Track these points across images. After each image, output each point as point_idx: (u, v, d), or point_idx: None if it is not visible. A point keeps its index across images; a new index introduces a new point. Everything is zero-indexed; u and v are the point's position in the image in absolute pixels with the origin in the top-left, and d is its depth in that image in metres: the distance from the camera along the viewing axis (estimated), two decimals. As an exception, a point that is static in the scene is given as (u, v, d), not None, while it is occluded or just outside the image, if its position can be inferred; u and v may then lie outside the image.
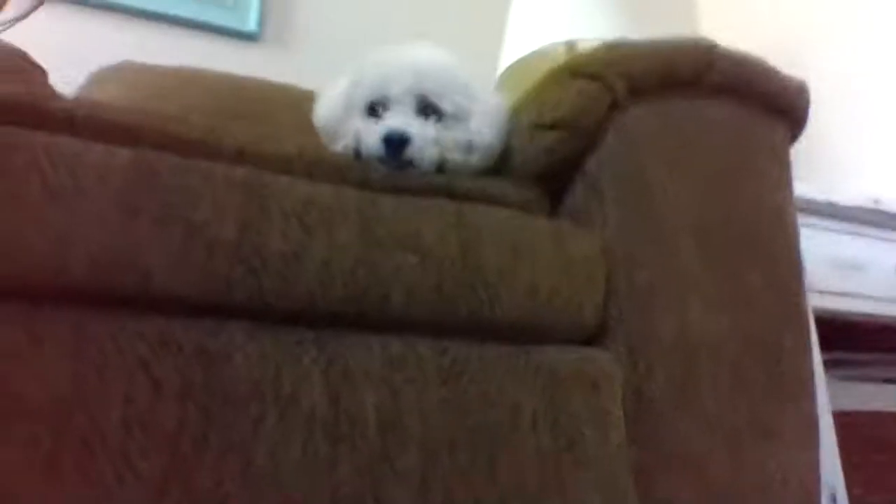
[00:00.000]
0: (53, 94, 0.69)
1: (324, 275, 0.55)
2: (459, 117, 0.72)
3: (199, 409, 0.50)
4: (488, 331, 0.59)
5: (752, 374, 0.66)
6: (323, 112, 0.77)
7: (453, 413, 0.55)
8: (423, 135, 0.68)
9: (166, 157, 0.56)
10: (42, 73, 1.05)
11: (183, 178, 0.55)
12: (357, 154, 0.71)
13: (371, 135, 0.69)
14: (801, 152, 0.86)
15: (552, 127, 0.69)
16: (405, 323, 0.57)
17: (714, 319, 0.66)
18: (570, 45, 1.67)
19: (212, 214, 0.54)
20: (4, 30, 1.00)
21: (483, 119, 0.73)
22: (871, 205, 1.15)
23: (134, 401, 0.49)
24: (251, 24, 1.56)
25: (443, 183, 0.68)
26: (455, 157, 0.71)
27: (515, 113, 0.75)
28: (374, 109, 0.72)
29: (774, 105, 0.75)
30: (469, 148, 0.72)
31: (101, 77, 1.25)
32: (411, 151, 0.67)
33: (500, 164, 0.75)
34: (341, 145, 0.73)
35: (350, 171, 0.66)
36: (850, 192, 1.15)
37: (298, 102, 1.35)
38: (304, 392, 0.53)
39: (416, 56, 0.73)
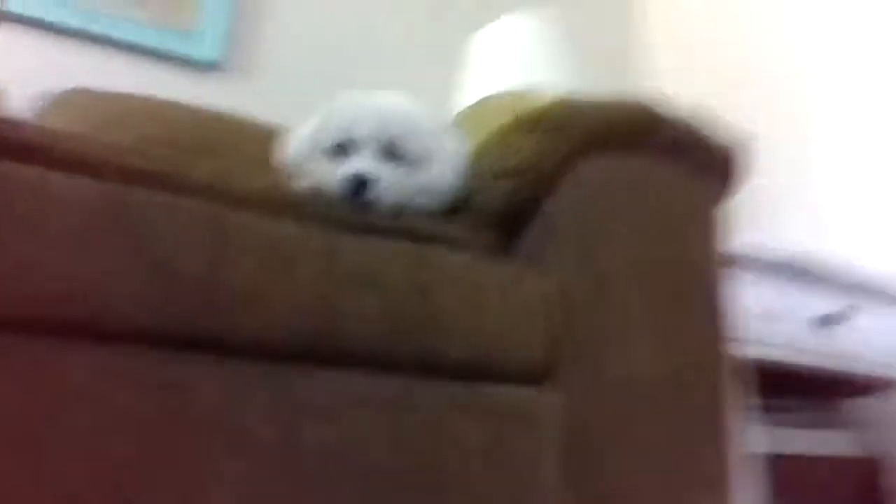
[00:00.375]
0: (10, 122, 0.69)
1: (284, 312, 0.57)
2: (422, 161, 0.75)
3: (156, 440, 0.50)
4: (439, 369, 0.61)
5: (686, 418, 0.69)
6: (290, 150, 0.79)
7: (401, 448, 0.57)
8: (386, 178, 0.71)
9: (133, 191, 0.57)
10: (-1, 94, 1.04)
11: (149, 212, 0.56)
12: (321, 194, 0.73)
13: (335, 176, 0.71)
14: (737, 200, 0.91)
15: (513, 173, 0.72)
16: (362, 360, 0.59)
17: (653, 364, 0.69)
18: (523, 94, 1.74)
19: (176, 249, 0.55)
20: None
21: (445, 163, 0.76)
22: (798, 259, 1.22)
23: (91, 431, 0.49)
24: (212, 54, 1.57)
25: (404, 225, 0.70)
26: (416, 199, 0.73)
27: (477, 158, 0.79)
28: (339, 151, 0.75)
29: (711, 167, 0.80)
30: (430, 191, 0.75)
31: (56, 102, 1.24)
32: (374, 193, 0.70)
33: (460, 205, 0.78)
34: (306, 184, 0.75)
35: (313, 209, 0.68)
36: (780, 245, 1.23)
37: (258, 136, 1.36)
38: (260, 425, 0.54)
39: (382, 102, 0.76)
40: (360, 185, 0.69)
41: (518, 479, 0.60)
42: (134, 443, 0.50)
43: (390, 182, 0.71)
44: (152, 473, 0.49)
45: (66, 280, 0.51)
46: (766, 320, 1.17)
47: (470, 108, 1.67)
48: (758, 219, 1.74)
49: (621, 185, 0.75)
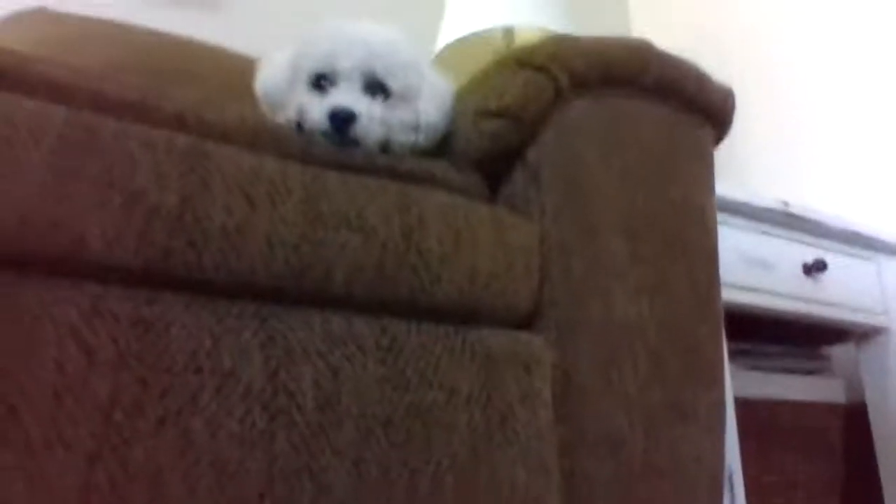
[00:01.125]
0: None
1: (266, 250, 0.55)
2: (406, 97, 0.72)
3: (134, 378, 0.49)
4: (427, 312, 0.60)
5: (670, 360, 0.70)
6: (265, 81, 0.75)
7: (391, 391, 0.56)
8: (369, 114, 0.68)
9: (104, 120, 0.54)
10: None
11: (122, 143, 0.53)
12: (299, 127, 0.70)
13: (316, 109, 0.68)
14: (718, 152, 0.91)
15: (497, 114, 0.70)
16: (346, 301, 0.58)
17: (637, 309, 0.69)
18: (508, 31, 1.70)
19: (152, 182, 0.53)
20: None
21: (430, 100, 0.73)
22: (780, 207, 1.23)
23: (65, 368, 0.47)
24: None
25: (386, 163, 0.68)
26: (400, 137, 0.71)
27: (460, 97, 0.76)
28: (319, 83, 0.71)
29: (703, 108, 0.79)
30: (414, 129, 0.72)
31: (15, 21, 1.17)
32: (357, 130, 0.67)
33: (441, 146, 0.76)
34: (283, 117, 0.72)
35: (293, 144, 0.66)
36: (761, 194, 1.23)
37: (229, 65, 1.31)
38: (243, 366, 0.52)
39: (366, 32, 0.72)
40: (343, 120, 0.66)
41: (512, 423, 0.60)
42: (113, 382, 0.48)
43: (373, 118, 0.69)
44: (132, 409, 0.48)
45: (36, 213, 0.48)
46: (748, 267, 1.18)
47: (453, 44, 1.62)
48: (733, 168, 1.75)
49: (610, 128, 0.74)
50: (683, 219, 0.74)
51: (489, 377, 0.60)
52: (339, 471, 0.53)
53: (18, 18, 1.16)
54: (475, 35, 1.64)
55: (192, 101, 0.64)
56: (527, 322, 0.66)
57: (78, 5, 1.24)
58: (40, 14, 1.19)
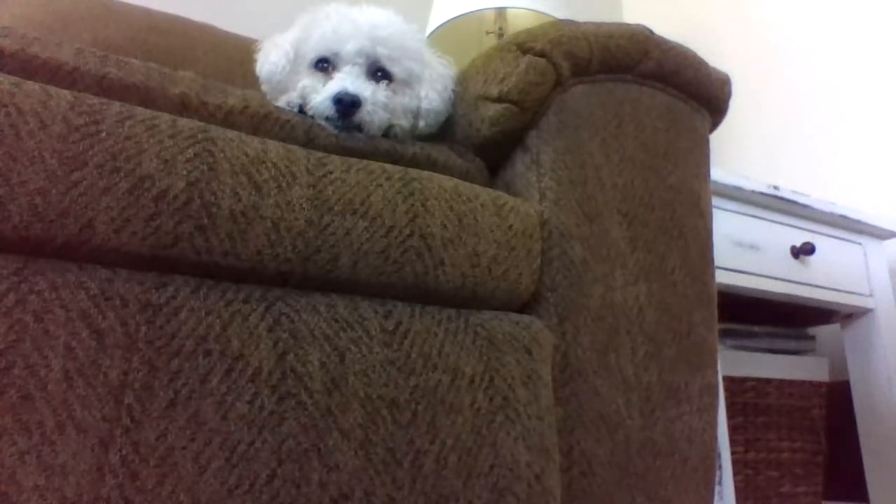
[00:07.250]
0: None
1: (273, 235, 0.55)
2: (408, 83, 0.72)
3: (144, 362, 0.50)
4: (431, 296, 0.61)
5: (666, 344, 0.71)
6: (267, 63, 0.75)
7: (396, 373, 0.57)
8: (373, 99, 0.68)
9: (109, 104, 0.54)
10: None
11: (127, 128, 0.53)
12: (301, 111, 0.70)
13: (320, 93, 0.68)
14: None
15: (498, 99, 0.70)
16: (352, 285, 0.58)
17: (635, 293, 0.71)
18: (500, 12, 1.69)
19: (158, 167, 0.53)
20: None
21: (432, 86, 0.73)
22: (770, 191, 1.24)
23: (76, 352, 0.48)
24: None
25: (388, 147, 0.68)
26: (402, 122, 0.71)
27: (461, 82, 0.76)
28: (322, 66, 0.71)
29: (700, 95, 0.79)
30: (416, 114, 0.72)
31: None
32: (361, 115, 0.67)
33: (443, 131, 0.76)
34: (284, 101, 0.72)
35: (295, 129, 0.66)
36: (752, 178, 1.25)
37: (219, 44, 1.30)
38: (251, 349, 0.53)
39: (371, 17, 0.72)
40: (348, 105, 0.67)
41: (514, 404, 0.61)
42: (124, 365, 0.49)
43: (378, 104, 0.69)
44: (142, 392, 0.49)
45: (45, 200, 0.48)
46: (738, 249, 1.20)
47: (445, 24, 1.62)
48: (723, 152, 1.76)
49: (610, 114, 0.75)
50: (681, 205, 0.75)
51: (491, 360, 0.61)
52: (347, 451, 0.54)
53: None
54: (467, 15, 1.63)
55: (194, 84, 0.64)
56: (528, 305, 0.67)
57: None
58: (29, -11, 1.16)
